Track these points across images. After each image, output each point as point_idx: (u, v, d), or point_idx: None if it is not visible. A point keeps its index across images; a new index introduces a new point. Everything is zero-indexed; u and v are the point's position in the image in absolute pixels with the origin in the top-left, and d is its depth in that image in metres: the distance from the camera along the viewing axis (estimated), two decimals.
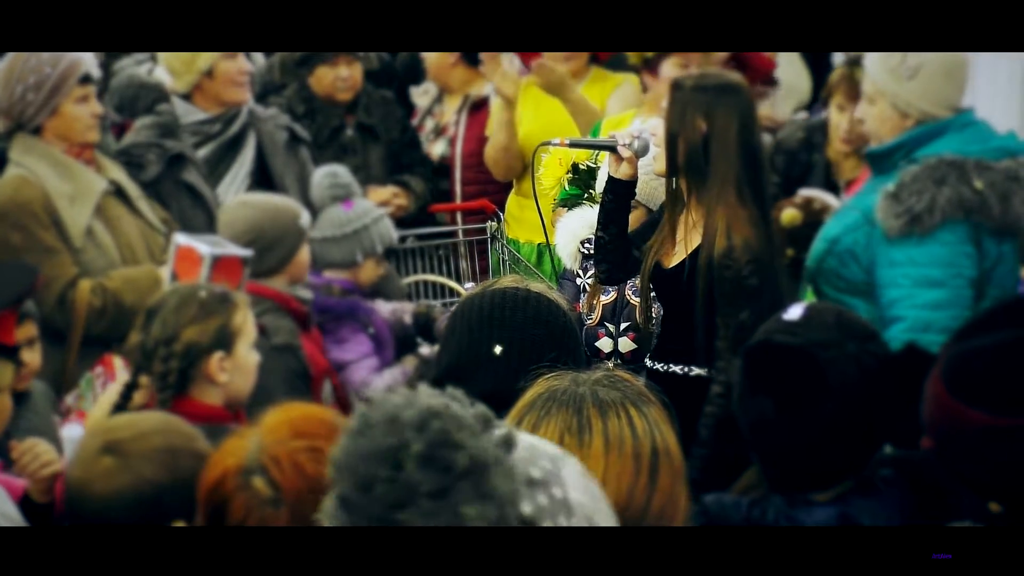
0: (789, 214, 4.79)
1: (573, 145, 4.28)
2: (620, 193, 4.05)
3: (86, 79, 4.84)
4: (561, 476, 2.00)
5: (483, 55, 5.76)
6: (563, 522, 1.97)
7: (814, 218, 4.70)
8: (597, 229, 4.12)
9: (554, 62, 5.69)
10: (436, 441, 1.90)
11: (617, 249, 4.10)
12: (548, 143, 4.31)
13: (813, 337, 2.86)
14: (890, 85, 4.10)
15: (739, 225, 3.91)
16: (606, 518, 2.06)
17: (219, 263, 4.41)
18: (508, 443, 1.96)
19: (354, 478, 1.91)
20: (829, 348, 2.84)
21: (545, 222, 4.53)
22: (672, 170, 3.99)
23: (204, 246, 4.45)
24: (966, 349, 2.57)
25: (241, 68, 5.66)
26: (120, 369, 4.35)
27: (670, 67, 5.24)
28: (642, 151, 4.03)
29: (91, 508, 2.92)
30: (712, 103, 3.95)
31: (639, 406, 2.30)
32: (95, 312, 4.71)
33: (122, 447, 2.96)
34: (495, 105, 5.94)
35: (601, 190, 4.17)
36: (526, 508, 1.94)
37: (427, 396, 1.94)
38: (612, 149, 4.03)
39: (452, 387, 1.99)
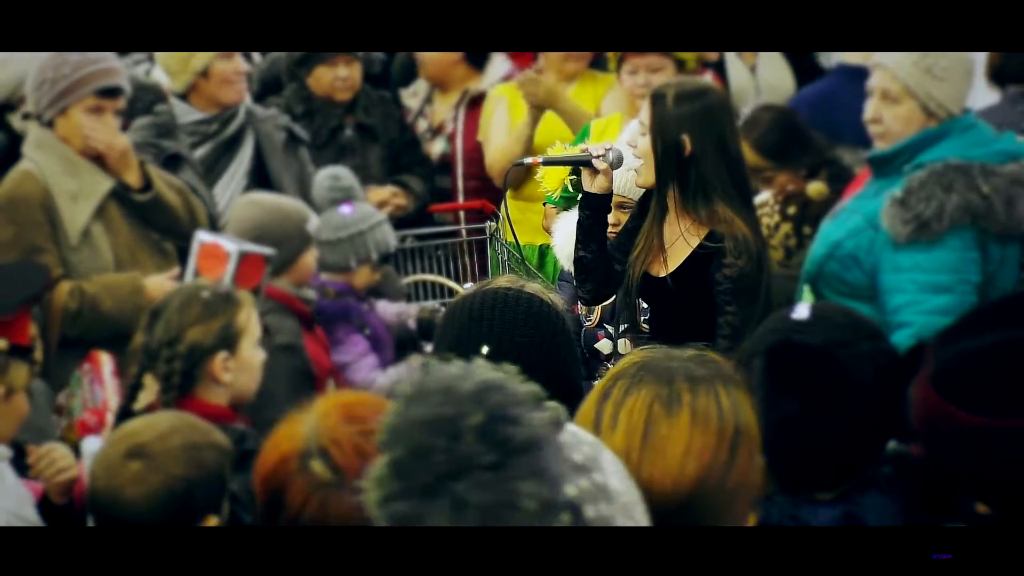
0: (816, 188, 4.84)
1: (547, 163, 4.25)
2: (596, 207, 4.03)
3: (111, 92, 4.84)
4: (600, 462, 2.04)
5: (524, 77, 5.71)
6: (604, 508, 2.00)
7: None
8: (577, 249, 4.09)
9: (535, 76, 5.68)
10: (495, 414, 1.93)
11: (600, 266, 4.08)
12: (520, 163, 4.30)
13: (831, 336, 2.87)
14: (924, 86, 4.10)
15: (737, 225, 3.93)
16: (640, 508, 2.09)
17: (245, 259, 4.44)
18: (557, 423, 2.00)
19: (410, 444, 1.94)
20: (846, 347, 2.86)
21: (517, 236, 4.55)
22: (661, 182, 3.99)
23: (230, 243, 4.47)
24: (956, 352, 2.58)
25: (237, 68, 5.66)
26: (107, 364, 4.36)
27: (624, 73, 5.26)
28: (617, 163, 4.01)
29: (125, 514, 2.94)
30: (696, 115, 3.95)
31: (727, 385, 2.35)
32: (70, 315, 4.70)
33: (147, 449, 2.99)
34: (515, 115, 5.87)
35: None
36: (570, 490, 1.97)
37: (483, 369, 1.98)
38: (587, 163, 3.99)
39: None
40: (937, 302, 3.98)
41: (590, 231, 4.05)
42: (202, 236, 4.54)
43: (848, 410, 2.83)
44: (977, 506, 2.65)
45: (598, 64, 5.99)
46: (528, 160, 4.19)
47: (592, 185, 4.00)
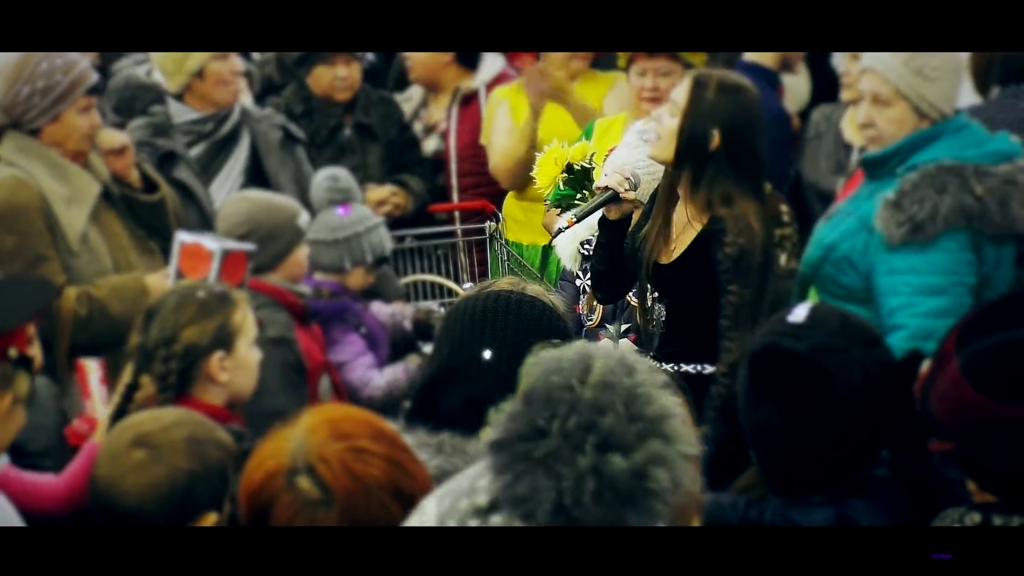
0: None
1: (582, 218, 4.11)
2: (618, 231, 4.10)
3: (92, 90, 4.82)
4: None
5: (526, 71, 5.72)
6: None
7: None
8: (596, 263, 4.16)
9: (546, 68, 5.67)
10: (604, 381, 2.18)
11: (617, 278, 4.17)
12: (560, 229, 4.20)
13: (819, 342, 2.85)
14: (916, 87, 4.10)
15: (740, 208, 3.95)
16: None
17: (227, 258, 4.44)
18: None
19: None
20: (835, 354, 2.83)
21: (521, 237, 4.54)
22: (677, 166, 4.01)
23: (212, 242, 4.46)
24: (987, 346, 2.59)
25: (232, 69, 5.64)
26: (93, 372, 4.34)
27: (633, 74, 5.26)
28: (637, 185, 4.06)
29: (126, 502, 2.94)
30: (731, 111, 3.99)
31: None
32: (80, 321, 4.65)
33: (151, 439, 2.99)
34: (518, 116, 5.87)
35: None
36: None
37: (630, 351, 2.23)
38: (615, 199, 4.02)
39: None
40: (932, 304, 3.98)
41: (610, 251, 4.12)
42: (183, 237, 4.53)
43: (832, 418, 2.81)
44: (974, 494, 2.65)
45: (604, 63, 5.99)
46: (564, 224, 4.14)
47: (614, 214, 4.05)
